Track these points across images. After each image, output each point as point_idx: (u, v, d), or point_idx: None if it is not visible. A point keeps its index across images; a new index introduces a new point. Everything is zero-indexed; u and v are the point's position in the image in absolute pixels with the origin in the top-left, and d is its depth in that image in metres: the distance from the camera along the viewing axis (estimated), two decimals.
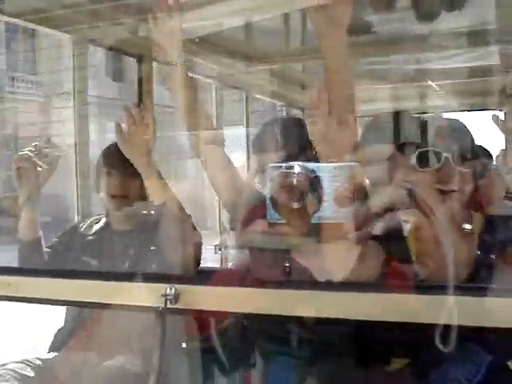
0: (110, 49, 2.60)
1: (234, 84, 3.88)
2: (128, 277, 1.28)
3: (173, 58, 1.94)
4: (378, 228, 1.59)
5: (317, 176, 1.43)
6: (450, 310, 1.01)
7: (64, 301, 1.36)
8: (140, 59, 2.81)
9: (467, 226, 1.49)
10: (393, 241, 1.58)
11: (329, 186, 1.44)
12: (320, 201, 1.59)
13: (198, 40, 3.19)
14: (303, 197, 1.55)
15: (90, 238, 2.27)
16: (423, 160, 1.50)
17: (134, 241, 2.21)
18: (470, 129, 1.69)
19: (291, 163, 1.47)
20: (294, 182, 1.42)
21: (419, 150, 1.51)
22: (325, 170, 1.43)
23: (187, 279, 1.25)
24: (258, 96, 4.20)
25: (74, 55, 2.47)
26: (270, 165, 1.46)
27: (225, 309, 1.20)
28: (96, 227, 2.32)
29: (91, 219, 2.40)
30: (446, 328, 1.04)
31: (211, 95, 3.75)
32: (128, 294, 1.28)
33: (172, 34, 1.92)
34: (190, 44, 3.12)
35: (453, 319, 1.00)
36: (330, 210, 1.42)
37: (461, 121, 1.71)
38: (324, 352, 1.56)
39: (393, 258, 1.55)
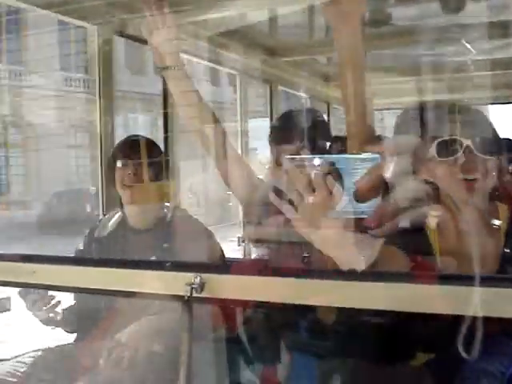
0: (136, 40, 2.59)
1: (258, 76, 3.87)
2: (153, 265, 1.29)
3: (171, 61, 1.94)
4: (402, 223, 1.57)
5: (337, 168, 1.41)
6: (476, 302, 0.99)
7: (89, 289, 1.36)
8: None
9: (496, 222, 1.47)
10: (416, 236, 1.55)
11: (350, 179, 1.42)
12: (340, 194, 1.57)
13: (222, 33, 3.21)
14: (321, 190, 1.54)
15: (107, 240, 2.27)
16: (442, 149, 1.45)
17: (153, 240, 2.22)
18: (491, 119, 1.64)
19: (309, 155, 1.45)
20: (313, 175, 1.39)
21: (438, 139, 1.46)
22: (345, 162, 1.41)
23: (212, 268, 1.25)
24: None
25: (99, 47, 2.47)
26: (287, 156, 1.44)
27: (250, 298, 1.20)
28: (111, 226, 2.31)
29: (105, 218, 2.40)
30: (474, 320, 1.02)
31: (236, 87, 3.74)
32: (153, 282, 1.28)
33: (168, 36, 1.90)
34: (215, 37, 3.15)
35: (479, 311, 0.99)
36: (351, 204, 1.38)
37: (481, 110, 1.67)
38: (348, 345, 1.55)
39: (416, 254, 1.52)
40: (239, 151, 3.64)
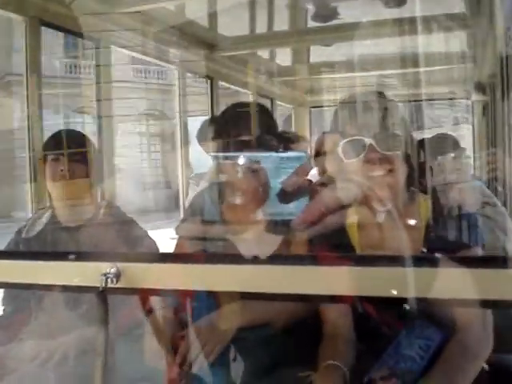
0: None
1: (197, 71, 3.82)
2: (67, 256, 1.22)
3: None
4: (328, 223, 1.57)
5: (262, 167, 1.36)
6: (388, 282, 0.97)
7: (1, 283, 1.29)
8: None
9: (411, 222, 1.48)
10: (339, 235, 1.55)
11: (276, 179, 1.38)
12: (266, 195, 1.52)
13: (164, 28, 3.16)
14: (246, 191, 1.49)
15: (36, 239, 2.14)
16: (348, 151, 1.45)
17: (84, 237, 2.13)
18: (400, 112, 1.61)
19: (233, 153, 1.41)
20: (238, 175, 1.34)
21: (342, 140, 1.46)
22: (271, 160, 1.36)
23: (129, 257, 1.19)
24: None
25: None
26: (212, 154, 1.38)
27: (167, 286, 1.14)
28: (40, 225, 2.18)
29: (33, 216, 2.29)
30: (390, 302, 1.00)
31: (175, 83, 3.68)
32: (68, 274, 1.22)
33: None
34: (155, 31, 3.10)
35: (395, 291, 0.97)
36: (276, 205, 1.34)
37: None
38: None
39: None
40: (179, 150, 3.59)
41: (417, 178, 1.53)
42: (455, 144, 2.66)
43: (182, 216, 3.03)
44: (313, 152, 3.03)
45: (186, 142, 3.67)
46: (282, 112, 5.36)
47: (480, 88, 4.14)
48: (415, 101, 4.68)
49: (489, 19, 2.74)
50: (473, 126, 4.59)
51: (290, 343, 1.54)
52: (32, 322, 1.89)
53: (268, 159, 1.36)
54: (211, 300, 1.43)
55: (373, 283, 0.98)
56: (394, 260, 0.99)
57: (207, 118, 3.82)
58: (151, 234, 2.21)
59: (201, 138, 3.10)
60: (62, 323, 1.84)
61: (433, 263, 0.98)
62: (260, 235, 1.63)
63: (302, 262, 1.04)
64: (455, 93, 4.60)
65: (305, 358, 1.47)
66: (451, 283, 0.97)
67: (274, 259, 1.12)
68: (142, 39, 3.02)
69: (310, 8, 3.46)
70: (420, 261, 0.98)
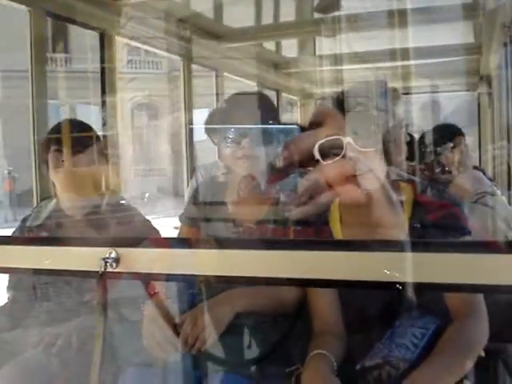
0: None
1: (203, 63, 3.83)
2: (68, 241, 1.24)
3: None
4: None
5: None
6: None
7: (3, 268, 1.31)
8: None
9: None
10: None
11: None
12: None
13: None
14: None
15: (40, 229, 2.14)
16: (325, 152, 1.39)
17: (88, 227, 2.14)
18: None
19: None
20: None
21: (319, 142, 1.40)
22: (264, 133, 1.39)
23: (128, 242, 1.21)
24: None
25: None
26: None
27: (165, 271, 1.17)
28: (45, 215, 2.19)
29: (39, 206, 2.30)
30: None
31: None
32: (68, 258, 1.24)
33: None
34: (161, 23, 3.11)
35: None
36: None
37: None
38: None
39: None
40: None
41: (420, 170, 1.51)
42: (454, 133, 2.66)
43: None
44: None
45: (190, 134, 3.69)
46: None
47: (485, 80, 4.14)
48: (420, 93, 4.69)
49: (494, 11, 2.74)
50: (479, 117, 4.59)
51: (278, 336, 1.57)
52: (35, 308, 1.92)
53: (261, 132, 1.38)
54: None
55: (364, 268, 0.99)
56: (387, 244, 1.01)
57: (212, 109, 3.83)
58: (155, 222, 2.24)
59: (207, 129, 3.13)
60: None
61: (426, 248, 1.00)
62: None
63: (296, 246, 1.06)
64: (461, 84, 4.59)
65: (294, 353, 1.49)
66: (447, 268, 0.97)
67: (271, 244, 1.13)
68: (146, 29, 3.03)
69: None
70: (415, 245, 1.00)
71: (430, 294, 1.36)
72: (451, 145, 2.53)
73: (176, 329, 1.49)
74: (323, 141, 1.40)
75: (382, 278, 0.99)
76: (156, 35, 3.20)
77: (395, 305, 1.40)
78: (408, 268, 1.00)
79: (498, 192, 2.53)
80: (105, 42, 2.76)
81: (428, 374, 1.30)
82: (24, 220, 2.23)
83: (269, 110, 2.00)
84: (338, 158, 1.38)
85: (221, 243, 1.13)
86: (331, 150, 1.39)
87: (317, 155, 1.40)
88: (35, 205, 2.40)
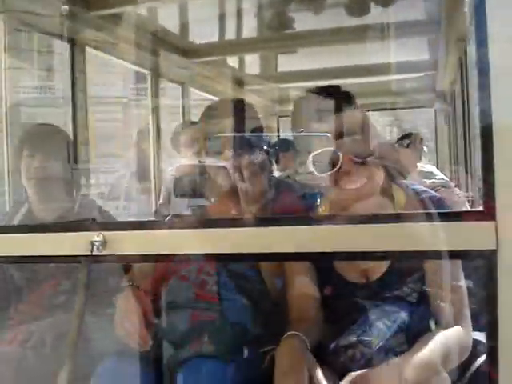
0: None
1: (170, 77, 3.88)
2: (54, 227, 1.27)
3: None
4: None
5: None
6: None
7: None
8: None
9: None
10: None
11: None
12: None
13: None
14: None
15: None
16: (319, 164, 1.37)
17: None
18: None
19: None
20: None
21: (312, 154, 1.37)
22: None
23: (115, 226, 1.26)
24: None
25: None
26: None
27: (151, 252, 1.22)
28: (17, 220, 2.19)
29: (11, 210, 2.32)
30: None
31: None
32: (55, 244, 1.28)
33: None
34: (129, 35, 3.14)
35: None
36: None
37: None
38: None
39: None
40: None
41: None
42: (412, 135, 2.88)
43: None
44: None
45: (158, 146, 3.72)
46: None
47: (442, 96, 4.29)
48: (381, 109, 4.83)
49: (449, 26, 2.87)
50: (435, 133, 4.75)
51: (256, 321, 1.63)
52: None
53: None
54: None
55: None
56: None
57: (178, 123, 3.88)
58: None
59: (174, 142, 3.21)
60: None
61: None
62: None
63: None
64: (419, 101, 4.72)
65: (270, 338, 1.52)
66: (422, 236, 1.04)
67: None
68: (116, 42, 3.06)
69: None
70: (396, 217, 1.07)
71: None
72: (408, 141, 2.71)
73: (147, 319, 1.52)
74: (316, 153, 1.37)
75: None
76: (125, 48, 3.24)
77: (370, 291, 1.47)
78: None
79: (452, 184, 2.73)
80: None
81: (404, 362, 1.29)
82: None
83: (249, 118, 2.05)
84: (334, 170, 1.37)
85: (204, 223, 1.19)
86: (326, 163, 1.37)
87: (310, 167, 1.38)
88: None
